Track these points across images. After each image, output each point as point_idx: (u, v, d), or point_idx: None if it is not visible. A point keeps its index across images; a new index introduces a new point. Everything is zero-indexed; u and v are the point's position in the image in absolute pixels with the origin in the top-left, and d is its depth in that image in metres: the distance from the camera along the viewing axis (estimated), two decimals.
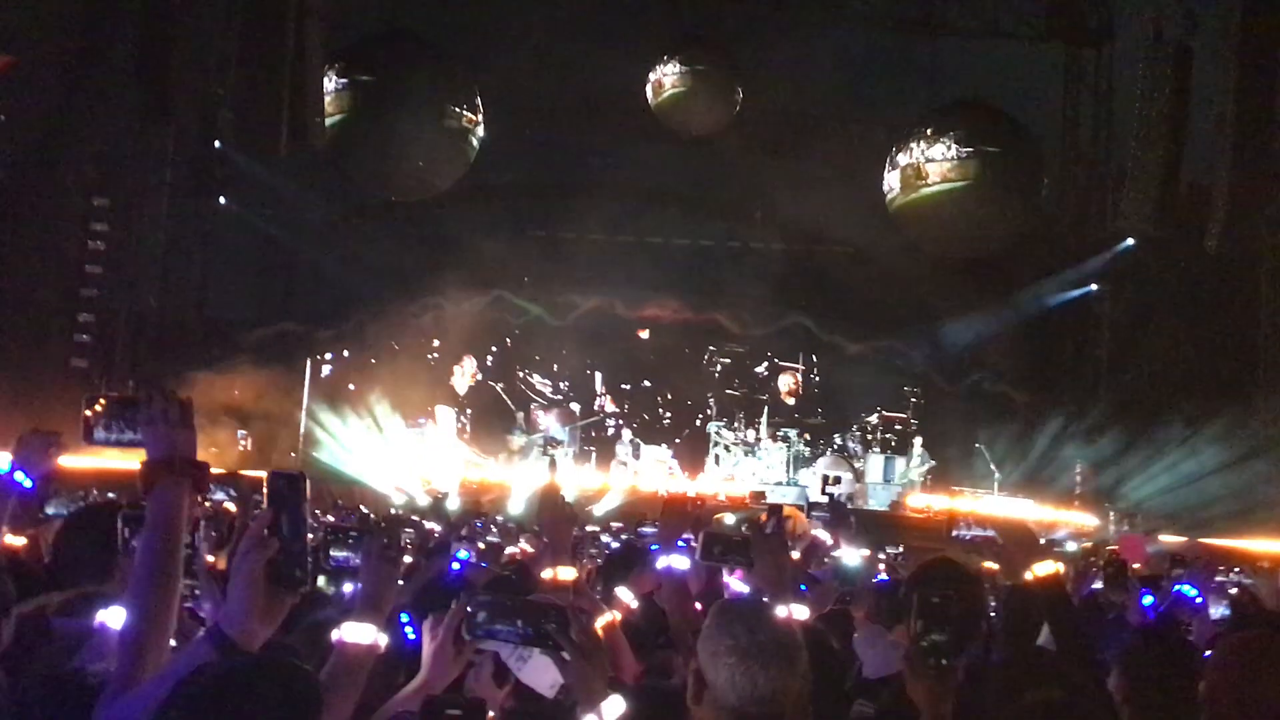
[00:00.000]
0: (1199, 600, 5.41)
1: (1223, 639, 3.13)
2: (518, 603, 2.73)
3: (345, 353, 22.27)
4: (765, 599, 3.52)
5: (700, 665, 2.43)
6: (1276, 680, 2.60)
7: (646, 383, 24.19)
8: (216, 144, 19.46)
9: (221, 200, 20.31)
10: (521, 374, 23.76)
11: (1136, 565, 5.90)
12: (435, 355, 22.74)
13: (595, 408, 23.79)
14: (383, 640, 2.77)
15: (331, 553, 4.29)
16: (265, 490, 2.18)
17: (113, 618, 2.88)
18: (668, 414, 23.89)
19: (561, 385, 23.95)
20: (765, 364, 24.16)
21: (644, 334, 23.71)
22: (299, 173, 20.29)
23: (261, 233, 21.57)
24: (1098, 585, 5.86)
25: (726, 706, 2.37)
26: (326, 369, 21.81)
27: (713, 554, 3.71)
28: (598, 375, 24.10)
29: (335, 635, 2.75)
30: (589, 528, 10.98)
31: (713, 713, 2.39)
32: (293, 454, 19.88)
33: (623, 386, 24.15)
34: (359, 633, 2.73)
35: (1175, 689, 2.93)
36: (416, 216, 22.08)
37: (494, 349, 23.38)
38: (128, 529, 3.37)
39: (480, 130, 20.59)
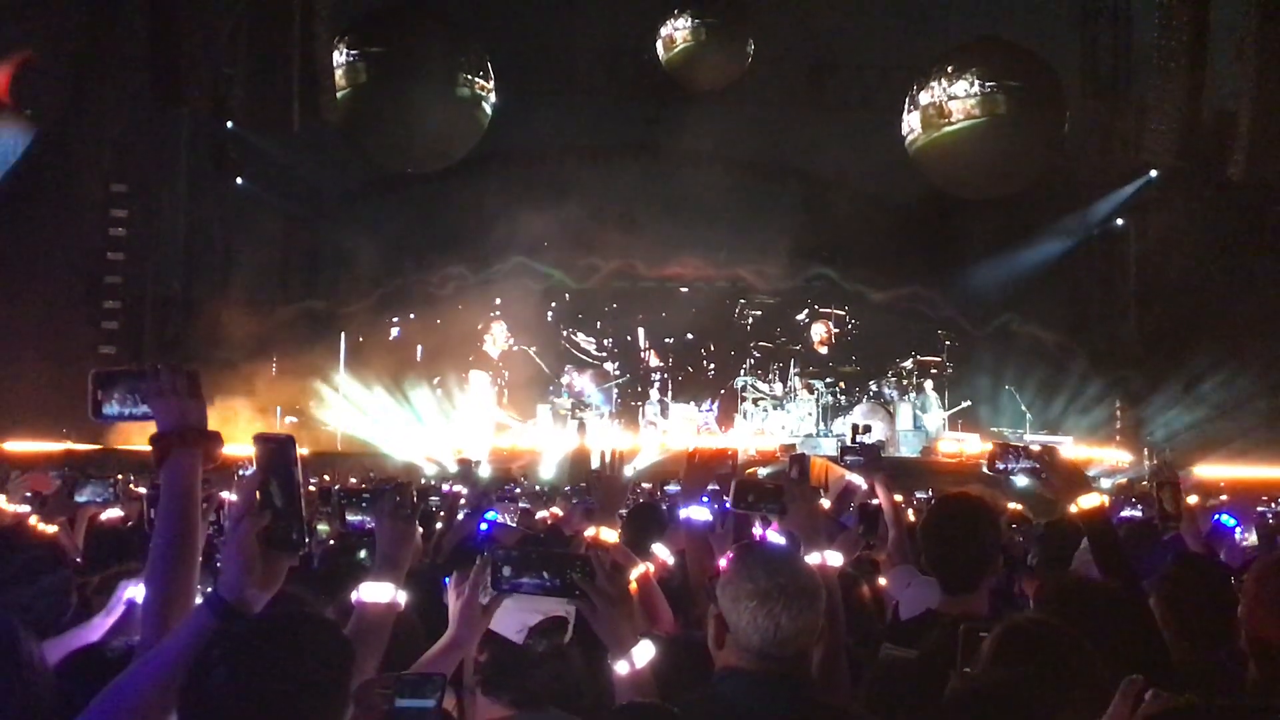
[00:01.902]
0: (1238, 529, 5.40)
1: (1258, 562, 3.12)
2: (543, 554, 2.73)
3: (373, 327, 22.34)
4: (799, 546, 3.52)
5: (722, 610, 2.43)
6: None
7: (689, 335, 24.16)
8: (230, 125, 19.47)
9: (239, 181, 20.34)
10: (565, 332, 23.69)
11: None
12: (462, 324, 22.72)
13: (641, 361, 23.76)
14: (401, 598, 2.77)
15: (347, 517, 4.32)
16: (254, 454, 2.17)
17: (140, 593, 2.90)
18: (712, 366, 23.83)
19: (605, 343, 23.90)
20: (805, 311, 23.95)
21: (683, 290, 23.61)
22: (314, 149, 20.29)
23: (281, 211, 21.60)
24: (1136, 513, 5.87)
25: (749, 649, 2.37)
26: (354, 344, 21.85)
27: (745, 502, 3.70)
28: (640, 331, 24.07)
29: (354, 596, 2.75)
30: None
31: (735, 656, 2.39)
32: (329, 426, 19.99)
33: (666, 340, 24.12)
34: (377, 592, 2.73)
35: (1212, 612, 2.92)
36: (433, 187, 22.03)
37: (524, 313, 23.27)
38: (152, 509, 3.39)
39: (492, 97, 20.51)
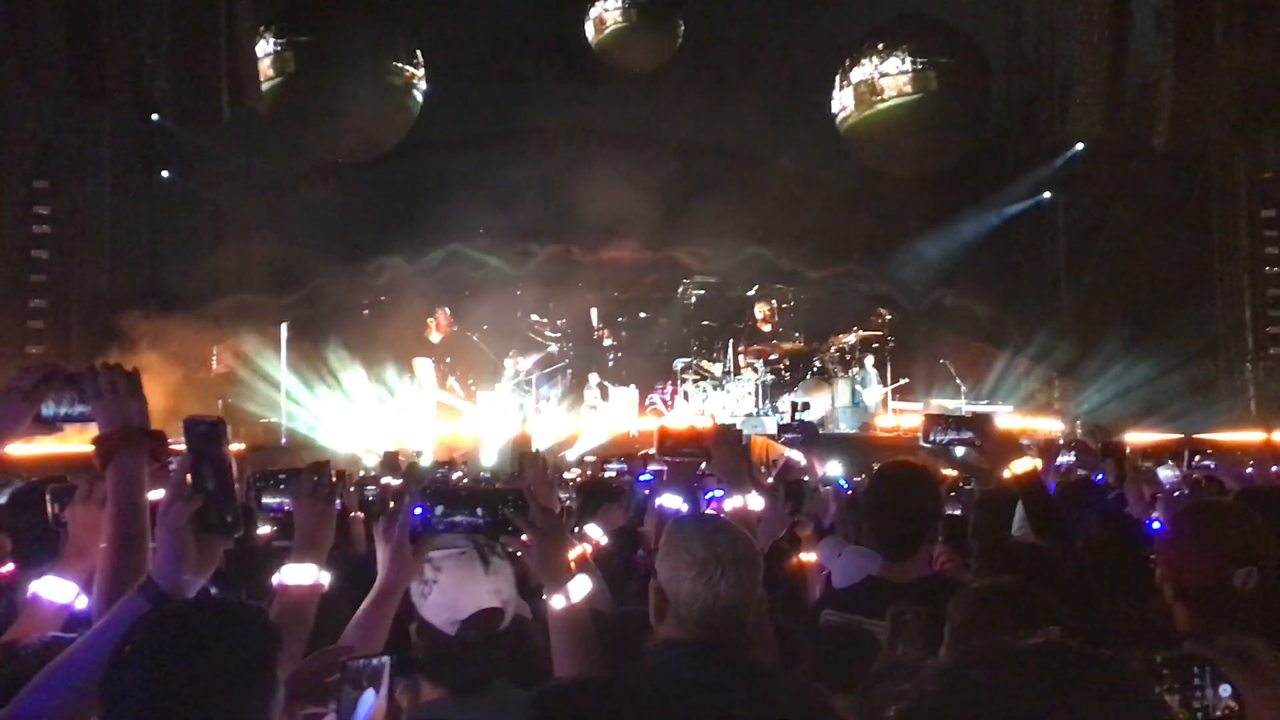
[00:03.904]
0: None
1: (1179, 509, 3.22)
2: (475, 492, 2.74)
3: (309, 319, 22.05)
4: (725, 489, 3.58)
5: (661, 583, 2.44)
6: (1213, 538, 2.68)
7: (642, 314, 24.16)
8: (154, 117, 19.11)
9: (164, 174, 19.97)
10: (519, 314, 23.54)
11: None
12: (401, 313, 22.50)
13: (595, 340, 23.70)
14: (325, 579, 2.75)
15: (263, 500, 4.28)
16: (184, 438, 2.15)
17: (45, 588, 2.86)
18: (665, 346, 23.84)
19: (559, 323, 23.79)
20: (754, 289, 24.01)
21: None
22: (241, 140, 19.98)
23: (208, 203, 21.23)
24: (1069, 459, 6.02)
25: (691, 619, 2.39)
26: (291, 336, 21.57)
27: (669, 449, 3.75)
28: (593, 311, 24.01)
29: (276, 579, 2.73)
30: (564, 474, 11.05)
31: (677, 627, 2.41)
32: (272, 420, 19.74)
33: (619, 319, 24.10)
34: (299, 574, 2.71)
35: (1131, 567, 3.00)
36: (365, 176, 21.78)
37: (463, 298, 23.08)
38: (56, 504, 3.37)
39: (422, 84, 20.33)
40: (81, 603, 2.89)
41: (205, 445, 2.13)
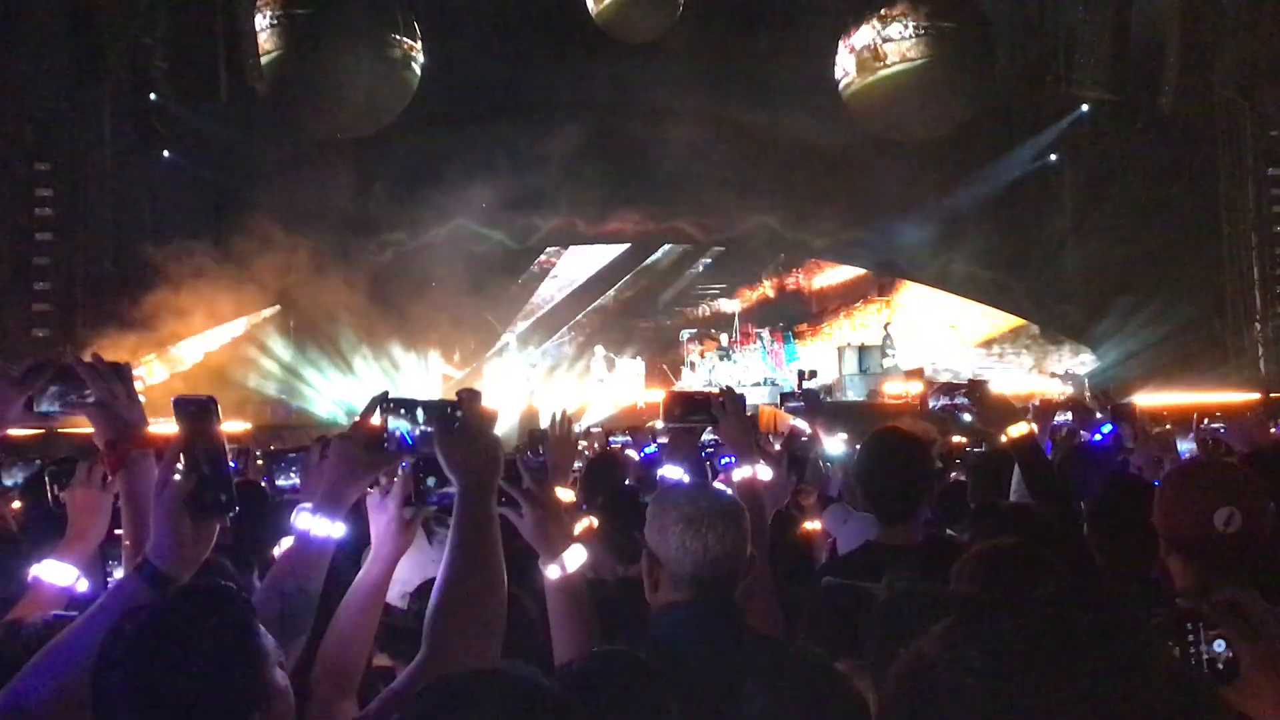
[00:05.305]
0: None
1: (1173, 468, 3.22)
2: None
3: (313, 296, 22.02)
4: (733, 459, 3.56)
5: (651, 547, 2.43)
6: (1194, 485, 2.70)
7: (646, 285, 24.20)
8: (153, 97, 19.05)
9: (166, 154, 19.92)
10: (520, 283, 23.42)
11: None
12: (405, 289, 22.45)
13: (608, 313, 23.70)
14: (83, 585, 2.78)
15: (277, 482, 4.24)
16: (175, 418, 2.14)
17: (45, 571, 2.86)
18: (668, 319, 23.84)
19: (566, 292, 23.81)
20: (752, 260, 23.94)
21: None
22: (242, 119, 19.93)
23: (211, 184, 21.20)
24: (1067, 418, 6.01)
25: (683, 576, 2.37)
26: (295, 314, 21.57)
27: (674, 416, 3.72)
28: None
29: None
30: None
31: (671, 589, 2.39)
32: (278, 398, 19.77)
33: (628, 294, 24.11)
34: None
35: (1136, 528, 2.99)
36: (366, 153, 21.70)
37: (469, 274, 23.07)
38: (55, 485, 3.38)
39: (421, 57, 20.24)
40: (82, 586, 2.88)
41: (197, 424, 2.12)
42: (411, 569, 2.75)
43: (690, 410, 3.64)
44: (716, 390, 3.85)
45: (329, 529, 2.40)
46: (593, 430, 13.47)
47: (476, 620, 2.22)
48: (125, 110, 19.31)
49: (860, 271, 23.59)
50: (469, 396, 2.42)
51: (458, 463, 2.32)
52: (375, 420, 2.42)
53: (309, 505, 2.46)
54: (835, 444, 6.56)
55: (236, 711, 1.76)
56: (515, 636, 2.82)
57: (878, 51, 20.21)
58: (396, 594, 2.74)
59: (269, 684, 1.81)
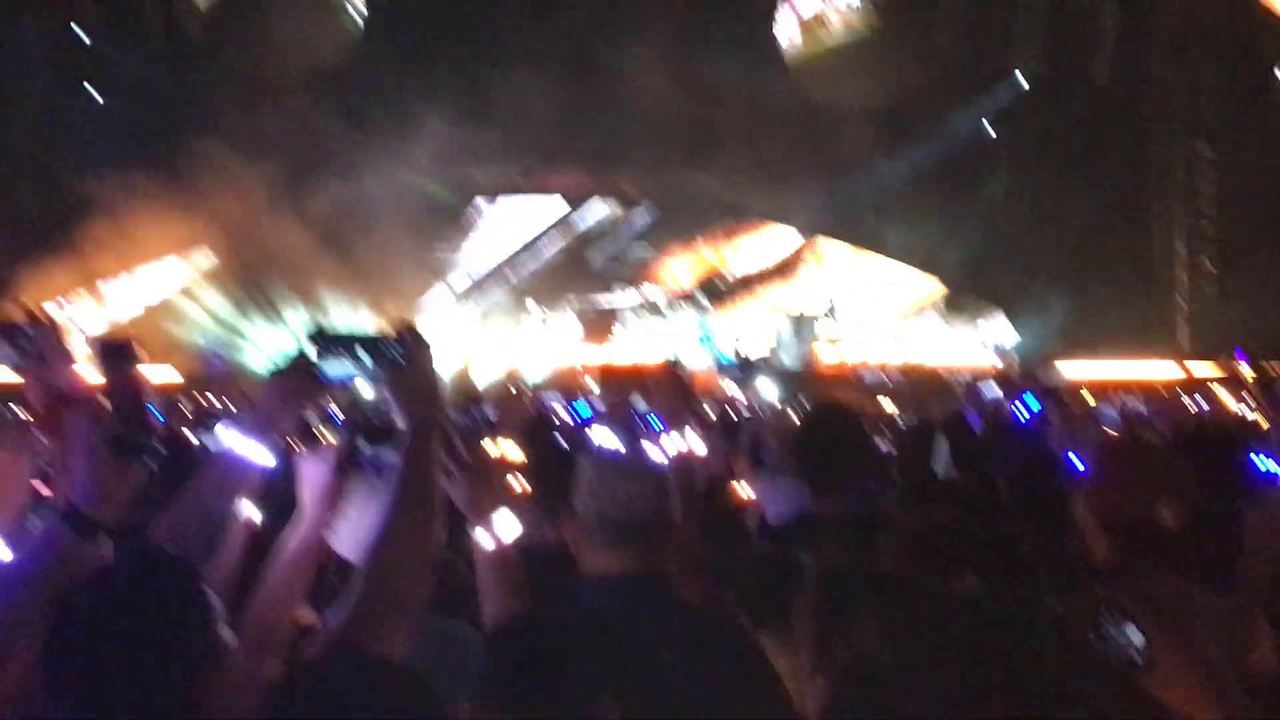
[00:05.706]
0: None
1: (1107, 446, 3.29)
2: (389, 428, 2.65)
3: (244, 246, 21.62)
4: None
5: (576, 511, 2.47)
6: (1139, 473, 2.75)
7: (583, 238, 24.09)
8: (85, 39, 18.50)
9: (97, 97, 19.37)
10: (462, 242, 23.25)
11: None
12: (339, 239, 22.11)
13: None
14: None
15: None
16: (95, 359, 2.11)
17: None
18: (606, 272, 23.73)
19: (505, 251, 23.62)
20: (690, 222, 23.87)
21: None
22: (175, 62, 19.43)
23: (142, 127, 20.64)
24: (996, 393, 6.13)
25: (592, 518, 2.42)
26: (226, 264, 21.15)
27: (611, 389, 3.76)
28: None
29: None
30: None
31: (587, 536, 2.43)
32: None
33: (562, 252, 23.97)
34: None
35: (1048, 502, 3.06)
36: (302, 98, 21.24)
37: (398, 225, 22.76)
38: None
39: (361, 3, 19.88)
40: (5, 554, 2.83)
41: (116, 366, 2.10)
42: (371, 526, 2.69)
43: (627, 384, 3.70)
44: (655, 362, 3.88)
45: (255, 452, 2.34)
46: (525, 391, 13.40)
47: (414, 556, 2.21)
48: (55, 51, 18.75)
49: (795, 235, 23.63)
50: (411, 332, 2.37)
51: (406, 400, 2.30)
52: (311, 354, 2.38)
53: (231, 422, 2.42)
54: (767, 387, 6.57)
55: (192, 672, 1.76)
56: (449, 599, 2.83)
57: (822, 19, 20.32)
58: (350, 549, 2.68)
59: (218, 642, 1.82)
